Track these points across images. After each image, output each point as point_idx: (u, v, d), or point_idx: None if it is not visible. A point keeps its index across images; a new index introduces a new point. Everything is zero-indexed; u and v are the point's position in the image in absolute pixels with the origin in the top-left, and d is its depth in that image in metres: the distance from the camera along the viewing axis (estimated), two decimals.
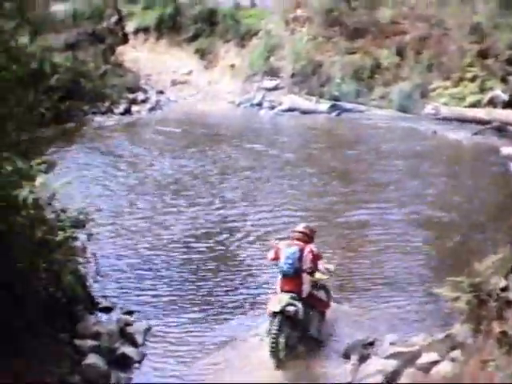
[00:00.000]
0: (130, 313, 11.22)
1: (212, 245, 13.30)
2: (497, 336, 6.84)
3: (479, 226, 13.11)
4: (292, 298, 8.56)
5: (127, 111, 24.98)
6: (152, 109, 25.74)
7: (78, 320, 10.29)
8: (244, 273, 12.15)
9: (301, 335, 8.82)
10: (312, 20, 28.26)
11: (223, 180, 17.23)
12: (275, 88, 26.73)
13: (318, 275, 9.20)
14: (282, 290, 8.72)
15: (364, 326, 10.02)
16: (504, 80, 22.41)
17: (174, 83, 28.60)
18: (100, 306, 11.18)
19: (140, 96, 26.61)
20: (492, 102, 22.00)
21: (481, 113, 21.65)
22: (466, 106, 22.44)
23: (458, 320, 8.89)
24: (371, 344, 9.42)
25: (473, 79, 23.18)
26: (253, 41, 28.85)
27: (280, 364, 8.54)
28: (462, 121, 21.79)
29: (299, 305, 8.57)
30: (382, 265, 12.16)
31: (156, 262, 12.63)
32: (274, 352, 8.51)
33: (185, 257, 12.85)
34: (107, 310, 11.16)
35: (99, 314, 10.92)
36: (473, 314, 8.31)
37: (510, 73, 22.41)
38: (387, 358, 9.04)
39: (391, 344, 9.35)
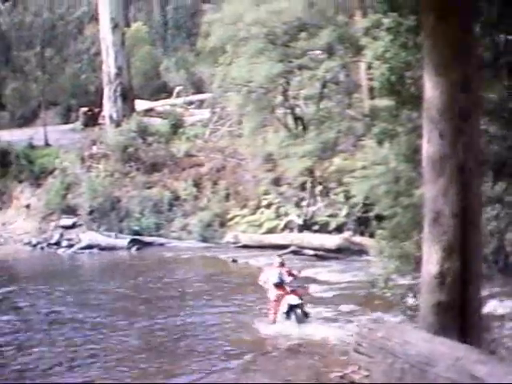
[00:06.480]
0: None
1: None
2: None
3: None
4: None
5: None
6: None
7: None
8: None
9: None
10: (108, 156, 28.27)
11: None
12: (73, 226, 26.15)
13: None
14: (277, 292, 13.16)
15: None
16: (298, 205, 23.17)
17: None
18: None
19: None
20: (288, 227, 22.61)
21: (278, 238, 22.10)
22: (263, 233, 22.90)
23: None
24: None
25: (269, 206, 23.86)
26: (48, 180, 28.28)
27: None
28: (262, 247, 22.11)
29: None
30: None
31: None
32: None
33: None
34: None
35: None
36: None
37: (302, 198, 23.19)
38: None
39: None
